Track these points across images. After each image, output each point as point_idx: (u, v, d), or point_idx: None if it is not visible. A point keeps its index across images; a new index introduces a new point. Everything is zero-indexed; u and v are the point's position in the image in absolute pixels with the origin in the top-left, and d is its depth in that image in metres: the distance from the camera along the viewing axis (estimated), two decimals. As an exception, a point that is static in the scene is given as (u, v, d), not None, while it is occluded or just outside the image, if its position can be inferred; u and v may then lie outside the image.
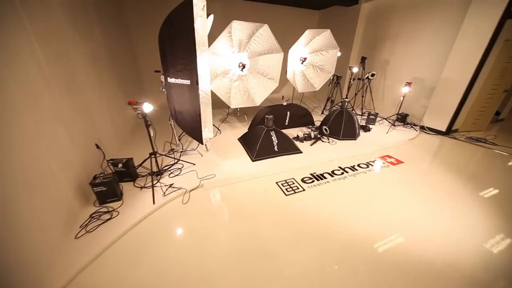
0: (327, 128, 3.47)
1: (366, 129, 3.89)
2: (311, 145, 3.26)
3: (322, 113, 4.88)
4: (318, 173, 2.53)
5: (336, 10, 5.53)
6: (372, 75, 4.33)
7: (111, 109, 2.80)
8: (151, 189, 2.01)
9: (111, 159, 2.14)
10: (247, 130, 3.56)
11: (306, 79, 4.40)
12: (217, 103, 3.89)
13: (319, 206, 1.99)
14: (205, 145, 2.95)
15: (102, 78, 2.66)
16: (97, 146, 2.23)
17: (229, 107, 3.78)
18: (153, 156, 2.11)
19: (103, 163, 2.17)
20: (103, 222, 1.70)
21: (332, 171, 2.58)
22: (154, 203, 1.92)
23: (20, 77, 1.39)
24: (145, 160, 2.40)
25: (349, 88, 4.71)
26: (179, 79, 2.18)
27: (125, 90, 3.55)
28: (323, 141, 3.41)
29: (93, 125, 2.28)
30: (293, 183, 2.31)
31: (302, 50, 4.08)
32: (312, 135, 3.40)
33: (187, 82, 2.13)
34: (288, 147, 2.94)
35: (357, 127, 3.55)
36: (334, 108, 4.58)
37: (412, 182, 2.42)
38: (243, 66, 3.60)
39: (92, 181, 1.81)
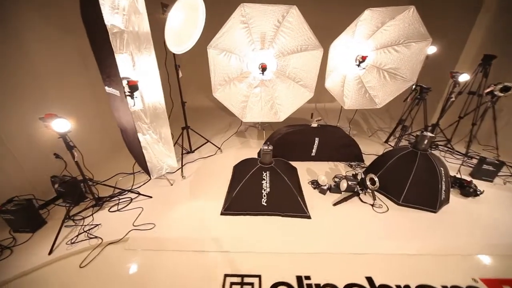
0: (375, 179, 2.00)
1: (467, 190, 2.05)
2: (335, 204, 1.93)
3: (387, 141, 3.15)
4: (315, 282, 1.31)
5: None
6: (506, 89, 2.28)
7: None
8: (71, 224, 1.55)
9: (53, 176, 1.83)
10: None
11: (363, 89, 2.89)
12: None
13: None
14: (180, 171, 2.28)
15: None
16: (57, 156, 2.00)
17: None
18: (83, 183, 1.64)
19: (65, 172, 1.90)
20: (-16, 265, 1.35)
21: None
22: (50, 253, 1.43)
23: None
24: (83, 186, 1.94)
25: (445, 108, 2.75)
26: (111, 88, 1.57)
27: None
28: (362, 200, 1.99)
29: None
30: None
31: (359, 44, 2.64)
32: (344, 185, 2.04)
33: (117, 92, 1.49)
34: (287, 204, 1.79)
35: (443, 186, 1.86)
36: (402, 142, 2.81)
37: None
38: (263, 69, 2.65)
39: (2, 207, 1.51)
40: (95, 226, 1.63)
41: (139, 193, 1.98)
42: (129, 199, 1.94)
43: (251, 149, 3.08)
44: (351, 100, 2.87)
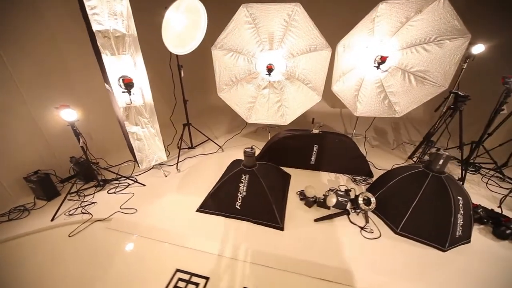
0: (371, 199, 1.72)
1: (502, 230, 1.57)
2: (316, 219, 1.75)
3: (411, 157, 2.67)
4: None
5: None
6: None
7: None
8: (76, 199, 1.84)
9: (72, 156, 2.19)
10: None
11: (383, 94, 2.52)
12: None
13: None
14: (176, 165, 2.42)
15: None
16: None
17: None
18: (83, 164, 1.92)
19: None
20: (8, 219, 1.72)
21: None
22: (52, 219, 1.72)
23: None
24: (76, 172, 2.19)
25: (492, 121, 2.15)
26: (107, 85, 1.76)
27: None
28: (351, 221, 1.74)
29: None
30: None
31: (382, 43, 2.31)
32: (333, 201, 1.82)
33: (110, 89, 1.67)
34: (261, 211, 1.71)
35: (459, 220, 1.48)
36: (423, 158, 2.31)
37: None
38: (269, 70, 2.59)
39: (27, 176, 1.89)
40: (91, 204, 1.89)
41: (135, 181, 2.20)
42: (127, 184, 2.17)
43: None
44: (365, 106, 2.54)
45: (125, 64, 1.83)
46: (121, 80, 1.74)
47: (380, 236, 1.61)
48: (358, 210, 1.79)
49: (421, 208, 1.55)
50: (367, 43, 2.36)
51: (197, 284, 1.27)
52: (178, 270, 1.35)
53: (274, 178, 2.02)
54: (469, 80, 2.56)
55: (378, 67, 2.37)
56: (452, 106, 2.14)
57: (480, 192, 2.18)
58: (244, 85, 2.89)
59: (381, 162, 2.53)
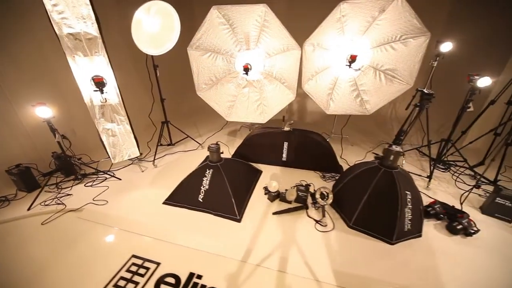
0: (327, 193, 1.77)
1: (454, 226, 1.60)
2: (274, 213, 1.81)
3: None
4: (203, 283, 1.29)
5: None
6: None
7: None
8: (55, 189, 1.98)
9: (53, 152, 2.33)
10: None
11: (356, 93, 2.56)
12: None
13: None
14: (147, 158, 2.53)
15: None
16: (64, 137, 2.52)
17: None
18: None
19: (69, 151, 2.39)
20: (-11, 208, 1.87)
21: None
22: (28, 209, 1.85)
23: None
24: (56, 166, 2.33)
25: (459, 119, 2.15)
26: None
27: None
28: (308, 215, 1.80)
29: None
30: (146, 272, 1.32)
31: (353, 42, 2.35)
32: (294, 195, 1.88)
33: None
34: (221, 204, 1.79)
35: (406, 214, 1.52)
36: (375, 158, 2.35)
37: None
38: (245, 69, 2.65)
39: (8, 169, 2.03)
40: (67, 195, 2.02)
41: (112, 175, 2.32)
42: (104, 178, 2.30)
43: (233, 148, 3.13)
44: (338, 104, 2.58)
45: (98, 64, 1.94)
46: (92, 80, 1.85)
47: (333, 229, 1.66)
48: (318, 205, 1.84)
49: (371, 203, 1.60)
50: (338, 42, 2.41)
51: (147, 268, 1.36)
52: (133, 256, 1.45)
53: (239, 173, 2.09)
54: (445, 79, 2.57)
55: (349, 66, 2.41)
56: (418, 104, 2.17)
57: (448, 189, 2.20)
58: (224, 84, 2.97)
59: (354, 160, 2.56)
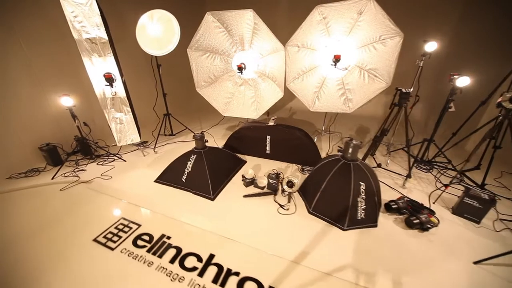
0: (294, 182, 1.94)
1: (410, 220, 1.67)
2: (245, 196, 2.03)
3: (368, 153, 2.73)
4: (171, 242, 1.57)
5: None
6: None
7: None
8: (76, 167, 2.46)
9: (75, 135, 2.81)
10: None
11: (341, 91, 2.65)
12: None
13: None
14: (151, 145, 2.90)
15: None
16: (85, 124, 3.02)
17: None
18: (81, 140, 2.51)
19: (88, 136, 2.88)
20: (24, 176, 2.37)
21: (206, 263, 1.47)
22: (52, 178, 2.32)
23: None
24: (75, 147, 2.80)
25: (441, 119, 2.13)
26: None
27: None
28: (275, 200, 1.98)
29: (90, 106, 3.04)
30: (129, 230, 1.64)
31: (339, 42, 2.44)
32: (264, 182, 2.08)
33: None
34: (199, 184, 2.06)
35: (360, 204, 1.62)
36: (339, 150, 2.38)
37: None
38: (239, 69, 2.90)
39: (40, 146, 2.54)
40: (81, 170, 2.46)
41: (119, 157, 2.74)
42: (113, 159, 2.72)
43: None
44: (323, 102, 2.69)
45: (110, 63, 2.35)
46: (103, 76, 2.25)
47: (294, 213, 1.83)
48: (285, 192, 2.02)
49: (328, 191, 1.73)
50: (326, 43, 2.53)
51: (131, 228, 1.68)
52: (122, 218, 1.79)
53: (220, 161, 2.34)
54: (435, 78, 2.54)
55: (335, 65, 2.52)
56: (396, 103, 2.20)
57: (426, 189, 2.20)
58: (222, 82, 3.26)
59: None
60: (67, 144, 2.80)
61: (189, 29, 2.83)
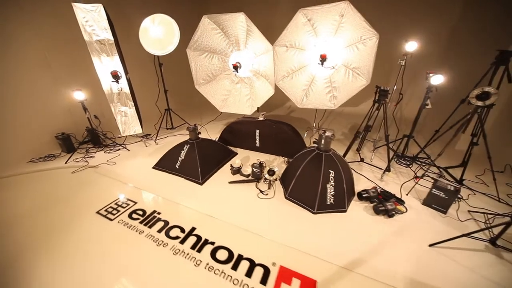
0: (274, 170, 2.13)
1: (377, 207, 1.81)
2: (230, 182, 2.24)
3: (358, 150, 2.86)
4: (161, 217, 1.81)
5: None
6: (485, 96, 1.71)
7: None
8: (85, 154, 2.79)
9: (87, 127, 3.15)
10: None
11: (328, 89, 2.80)
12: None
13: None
14: (153, 137, 3.18)
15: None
16: (95, 116, 3.35)
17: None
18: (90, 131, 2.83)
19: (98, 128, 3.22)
20: (42, 160, 2.72)
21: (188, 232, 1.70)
22: (66, 162, 2.65)
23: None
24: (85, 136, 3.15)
25: (419, 116, 2.22)
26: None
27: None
28: (257, 187, 2.18)
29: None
30: (126, 206, 1.90)
31: (327, 42, 2.58)
32: (248, 171, 2.28)
33: None
34: (190, 171, 2.30)
35: (329, 190, 1.79)
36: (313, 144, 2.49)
37: None
38: (235, 67, 3.12)
39: (56, 135, 2.88)
40: (90, 157, 2.78)
41: (124, 147, 3.05)
42: (118, 148, 3.03)
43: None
44: (310, 99, 2.85)
45: (117, 62, 2.64)
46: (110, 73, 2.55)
47: (272, 198, 2.02)
48: (266, 180, 2.21)
49: (302, 178, 1.91)
50: (315, 43, 2.68)
51: (128, 204, 1.95)
52: (122, 196, 2.06)
53: (211, 151, 2.57)
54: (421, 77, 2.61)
55: (321, 64, 2.67)
56: (376, 100, 2.33)
57: (406, 183, 2.29)
58: (220, 80, 3.48)
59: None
60: (79, 134, 3.14)
61: (191, 31, 3.07)
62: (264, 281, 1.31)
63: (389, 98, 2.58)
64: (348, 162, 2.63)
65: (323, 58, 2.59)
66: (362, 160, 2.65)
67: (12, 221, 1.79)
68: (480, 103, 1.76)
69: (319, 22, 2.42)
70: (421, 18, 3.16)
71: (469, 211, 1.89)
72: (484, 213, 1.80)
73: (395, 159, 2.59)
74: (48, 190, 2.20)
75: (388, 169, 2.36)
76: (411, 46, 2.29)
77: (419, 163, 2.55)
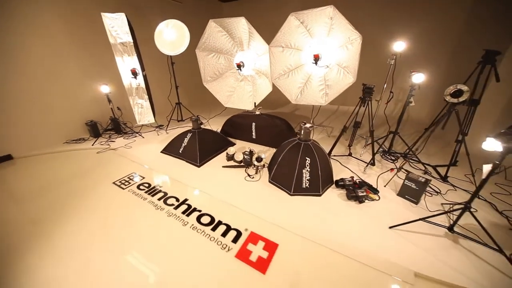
0: (261, 157, 2.39)
1: (349, 193, 1.99)
2: (223, 166, 2.55)
3: (349, 146, 3.00)
4: (166, 195, 2.18)
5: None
6: (459, 93, 1.80)
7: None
8: (112, 139, 3.32)
9: (110, 117, 3.68)
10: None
11: (322, 86, 2.98)
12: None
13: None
14: (165, 128, 3.61)
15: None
16: (118, 108, 3.88)
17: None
18: (114, 120, 3.33)
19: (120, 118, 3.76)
20: (75, 142, 3.28)
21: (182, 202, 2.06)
22: (92, 144, 3.17)
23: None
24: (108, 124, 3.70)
25: (403, 114, 2.32)
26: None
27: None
28: (246, 172, 2.46)
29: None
30: (136, 180, 2.31)
31: (321, 43, 2.76)
32: (240, 157, 2.57)
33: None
34: (191, 154, 2.66)
35: (305, 175, 2.01)
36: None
37: None
38: (238, 66, 3.44)
39: (85, 122, 3.44)
40: (112, 141, 3.29)
41: (140, 134, 3.52)
42: (135, 136, 3.51)
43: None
44: (304, 96, 3.05)
45: (135, 61, 3.09)
46: (129, 70, 3.00)
47: (257, 181, 2.29)
48: (254, 165, 2.48)
49: (282, 164, 2.15)
50: (310, 43, 2.89)
51: (139, 178, 2.36)
52: (134, 172, 2.48)
53: (210, 140, 2.90)
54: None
55: (315, 64, 2.87)
56: (361, 97, 2.47)
57: (385, 176, 2.41)
58: (226, 78, 3.82)
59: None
60: (104, 122, 3.69)
61: (200, 34, 3.44)
62: (235, 240, 1.59)
63: (380, 96, 2.70)
64: (337, 155, 2.82)
65: (316, 58, 2.78)
66: (350, 154, 2.79)
67: (48, 186, 2.29)
68: (454, 100, 1.85)
69: (312, 24, 2.63)
70: (413, 19, 3.16)
71: (442, 203, 1.99)
72: (451, 204, 1.88)
73: (381, 154, 2.70)
74: (76, 166, 2.71)
75: (372, 163, 2.50)
76: (399, 46, 2.39)
77: (407, 159, 2.63)
